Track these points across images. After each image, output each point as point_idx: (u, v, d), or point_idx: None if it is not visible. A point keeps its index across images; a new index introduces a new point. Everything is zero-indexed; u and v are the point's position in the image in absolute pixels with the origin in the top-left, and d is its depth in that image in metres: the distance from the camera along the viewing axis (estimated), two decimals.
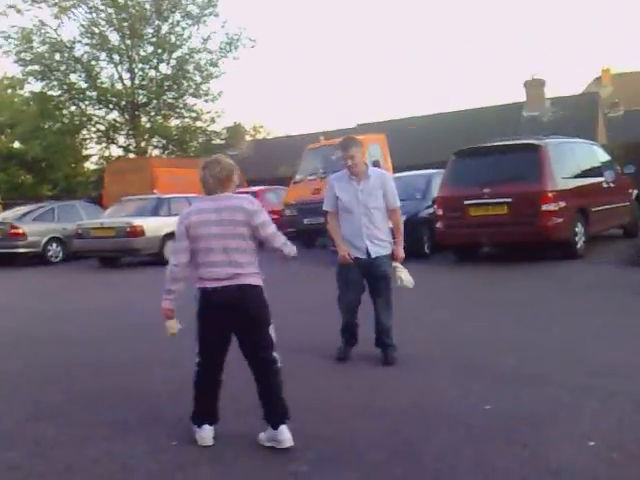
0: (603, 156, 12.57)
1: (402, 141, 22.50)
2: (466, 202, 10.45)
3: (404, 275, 5.44)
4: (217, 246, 3.82)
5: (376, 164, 16.39)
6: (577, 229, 10.36)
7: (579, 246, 10.41)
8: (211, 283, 3.83)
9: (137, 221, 14.21)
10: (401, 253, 5.46)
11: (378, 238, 5.36)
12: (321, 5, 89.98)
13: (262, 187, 19.91)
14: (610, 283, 8.50)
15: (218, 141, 30.15)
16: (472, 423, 4.02)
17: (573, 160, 11.16)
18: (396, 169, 17.57)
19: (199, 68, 28.30)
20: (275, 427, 3.83)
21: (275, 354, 3.97)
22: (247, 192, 19.64)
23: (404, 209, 12.02)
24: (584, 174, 11.27)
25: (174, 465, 3.71)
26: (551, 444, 3.64)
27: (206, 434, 3.96)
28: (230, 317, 3.85)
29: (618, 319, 6.58)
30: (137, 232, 14.01)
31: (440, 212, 10.96)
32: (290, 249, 4.03)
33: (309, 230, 15.78)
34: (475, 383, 4.78)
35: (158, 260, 14.26)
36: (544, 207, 9.82)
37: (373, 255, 5.34)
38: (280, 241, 3.97)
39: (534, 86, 27.84)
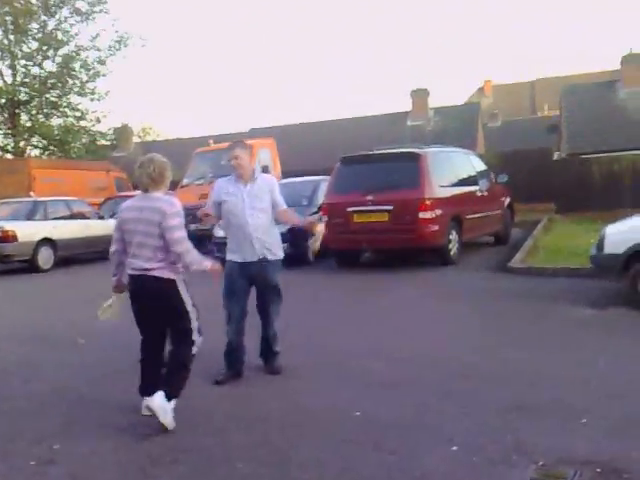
0: (479, 165, 13.15)
1: (291, 147, 22.64)
2: (350, 209, 10.65)
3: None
4: (136, 241, 4.27)
5: (265, 169, 16.40)
6: (451, 236, 10.77)
7: (453, 253, 10.83)
8: (131, 271, 4.34)
9: (9, 225, 13.42)
10: (310, 219, 5.98)
11: (267, 242, 5.26)
12: (216, 10, 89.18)
13: None
14: (477, 289, 8.88)
15: (104, 142, 29.19)
16: (341, 430, 4.09)
17: (451, 169, 11.61)
18: (285, 174, 17.66)
19: (86, 66, 27.38)
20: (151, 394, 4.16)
21: (195, 337, 4.41)
22: (130, 196, 19.14)
23: None
24: (460, 183, 11.75)
25: None
26: (417, 449, 3.75)
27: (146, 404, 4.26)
28: (146, 304, 4.33)
29: (481, 323, 6.90)
30: (8, 237, 13.23)
31: (325, 219, 11.08)
32: (191, 260, 4.27)
33: (196, 236, 15.49)
34: (346, 390, 4.87)
35: (31, 267, 13.67)
36: (421, 215, 10.16)
37: (262, 257, 5.21)
38: (181, 248, 4.23)
39: (419, 96, 28.79)
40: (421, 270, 10.65)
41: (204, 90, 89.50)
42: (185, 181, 17.00)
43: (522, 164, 20.04)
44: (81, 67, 27.32)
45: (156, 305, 4.30)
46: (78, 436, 4.18)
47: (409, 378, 5.08)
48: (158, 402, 4.09)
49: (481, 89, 55.77)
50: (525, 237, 13.05)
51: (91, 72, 27.53)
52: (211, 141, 18.77)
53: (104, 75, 27.95)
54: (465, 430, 3.99)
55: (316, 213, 12.38)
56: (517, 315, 7.19)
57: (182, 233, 4.23)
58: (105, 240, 15.11)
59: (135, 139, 36.02)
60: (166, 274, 4.25)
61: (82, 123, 28.31)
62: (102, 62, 27.61)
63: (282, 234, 12.40)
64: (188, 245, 4.25)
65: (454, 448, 3.73)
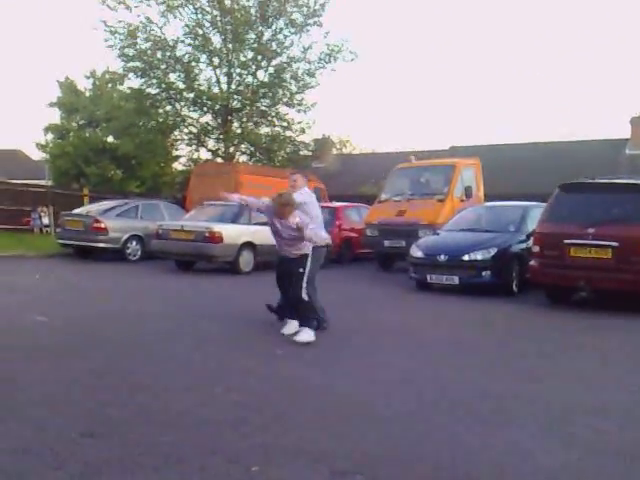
0: None
1: (495, 168, 21.59)
2: (567, 241, 9.66)
3: None
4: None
5: (468, 190, 15.71)
6: None
7: None
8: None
9: (217, 227, 14.05)
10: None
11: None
12: (423, 25, 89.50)
13: (344, 204, 19.46)
14: None
15: (305, 152, 29.81)
16: None
17: None
18: (487, 197, 16.83)
19: (296, 77, 27.89)
20: None
21: None
22: (328, 207, 19.33)
23: (495, 241, 11.42)
24: None
25: None
26: None
27: None
28: None
29: None
30: (215, 238, 13.84)
31: (537, 249, 10.18)
32: None
33: (389, 252, 15.21)
34: (567, 453, 4.09)
35: (233, 269, 14.17)
36: None
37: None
38: None
39: None
40: None
41: (404, 104, 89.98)
42: (383, 196, 16.78)
43: None
44: (291, 78, 27.87)
45: None
46: (276, 458, 3.88)
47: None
48: None
49: None
50: None
51: (300, 83, 27.99)
52: (413, 157, 18.38)
53: (312, 87, 28.29)
54: None
55: (524, 242, 11.54)
56: None
57: None
58: None
59: (333, 151, 36.59)
60: None
61: (288, 133, 28.95)
62: (311, 74, 27.98)
63: (484, 260, 11.62)
64: None
65: None
